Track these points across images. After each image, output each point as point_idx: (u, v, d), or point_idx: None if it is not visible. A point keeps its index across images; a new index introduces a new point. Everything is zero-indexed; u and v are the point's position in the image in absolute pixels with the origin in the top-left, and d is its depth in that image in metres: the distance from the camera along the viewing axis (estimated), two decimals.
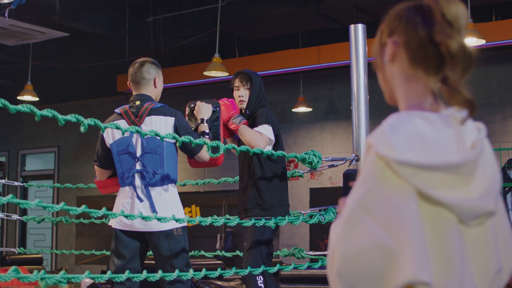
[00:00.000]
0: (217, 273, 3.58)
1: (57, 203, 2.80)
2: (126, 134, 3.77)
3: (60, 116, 2.70)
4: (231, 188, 10.03)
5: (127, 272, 3.22)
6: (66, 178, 11.55)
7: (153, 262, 3.85)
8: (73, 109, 11.32)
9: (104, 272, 4.00)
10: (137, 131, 3.11)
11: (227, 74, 8.03)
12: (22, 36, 8.09)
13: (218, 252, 5.35)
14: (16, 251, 5.64)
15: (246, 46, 9.70)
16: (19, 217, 5.43)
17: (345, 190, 3.67)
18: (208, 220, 3.61)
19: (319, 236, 9.62)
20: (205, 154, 3.81)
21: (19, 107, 2.55)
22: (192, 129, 3.93)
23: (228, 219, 3.77)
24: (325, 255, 4.40)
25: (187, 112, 4.06)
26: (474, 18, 7.24)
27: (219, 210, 10.31)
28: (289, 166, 10.02)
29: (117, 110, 3.89)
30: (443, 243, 1.26)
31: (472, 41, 6.85)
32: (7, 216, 5.70)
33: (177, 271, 3.44)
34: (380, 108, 6.98)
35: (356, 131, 3.96)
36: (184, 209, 3.92)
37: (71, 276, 2.91)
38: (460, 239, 1.28)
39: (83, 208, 2.86)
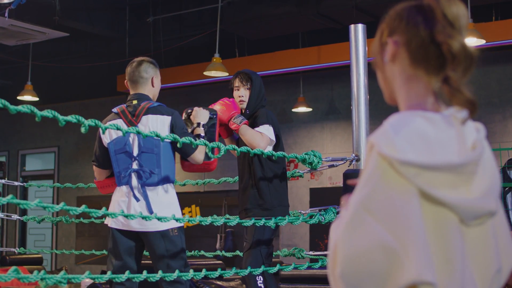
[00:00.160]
0: (217, 273, 3.58)
1: (57, 203, 2.80)
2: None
3: (60, 117, 2.70)
4: (231, 188, 10.03)
5: (127, 272, 3.22)
6: (66, 178, 11.55)
7: (150, 261, 3.84)
8: (73, 109, 11.32)
9: (104, 272, 4.00)
10: (138, 132, 3.11)
11: (227, 74, 8.03)
12: (22, 36, 8.09)
13: (218, 252, 5.35)
14: (16, 251, 5.64)
15: (246, 46, 9.70)
16: (19, 217, 5.43)
17: (345, 190, 3.67)
18: (208, 220, 3.61)
19: (319, 236, 9.62)
20: (199, 156, 3.80)
21: (19, 107, 2.55)
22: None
23: (228, 219, 3.76)
24: (325, 255, 4.40)
25: (183, 117, 4.05)
26: (474, 18, 7.24)
27: (219, 210, 10.31)
28: (289, 166, 10.02)
29: (115, 110, 3.89)
30: (444, 243, 1.26)
31: (472, 41, 6.84)
32: (7, 216, 5.70)
33: (177, 271, 3.44)
34: (380, 108, 6.99)
35: (356, 131, 3.96)
36: (184, 209, 3.92)
37: (71, 276, 2.91)
38: (461, 239, 1.28)
39: (83, 208, 2.86)
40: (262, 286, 3.89)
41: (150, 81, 3.92)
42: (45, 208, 2.76)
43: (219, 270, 3.61)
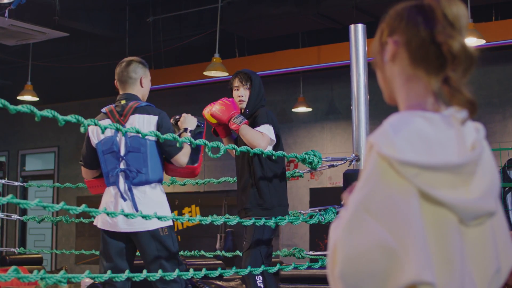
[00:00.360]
0: (217, 273, 3.58)
1: (57, 203, 2.80)
2: (110, 134, 3.77)
3: (60, 117, 2.70)
4: (231, 188, 10.03)
5: (127, 271, 3.21)
6: (66, 178, 11.54)
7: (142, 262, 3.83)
8: (73, 109, 11.31)
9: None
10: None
11: (227, 74, 8.03)
12: (22, 36, 8.09)
13: (218, 252, 5.35)
14: (16, 251, 5.64)
15: (246, 46, 9.70)
16: (19, 217, 5.43)
17: (345, 190, 3.66)
18: (208, 220, 3.61)
19: (319, 236, 9.62)
20: (182, 158, 3.79)
21: (19, 107, 2.55)
22: None
23: (228, 218, 3.76)
24: (325, 255, 4.40)
25: (171, 123, 4.04)
26: (474, 18, 7.24)
27: (219, 210, 10.31)
28: (289, 166, 10.02)
29: (103, 110, 3.90)
30: (444, 243, 1.26)
31: (472, 41, 6.84)
32: (7, 216, 5.69)
33: (177, 270, 3.43)
34: (380, 108, 6.98)
35: (356, 131, 3.96)
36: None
37: (71, 276, 2.91)
38: (461, 239, 1.28)
39: (83, 207, 2.85)
40: (262, 286, 3.89)
41: (138, 81, 3.91)
42: (45, 208, 2.76)
43: (219, 270, 3.61)
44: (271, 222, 3.76)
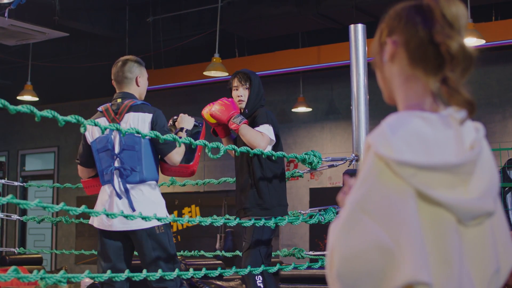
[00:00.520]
0: (217, 273, 3.58)
1: (57, 203, 2.80)
2: (106, 132, 3.77)
3: (60, 117, 2.70)
4: (231, 188, 10.03)
5: (126, 271, 3.21)
6: (66, 178, 11.54)
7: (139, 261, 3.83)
8: (73, 109, 11.31)
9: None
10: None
11: (227, 74, 8.03)
12: (22, 36, 8.09)
13: (218, 252, 5.35)
14: (16, 251, 5.64)
15: (246, 46, 9.70)
16: (19, 217, 5.43)
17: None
18: (208, 220, 3.61)
19: (319, 236, 9.62)
20: (176, 157, 3.78)
21: (19, 107, 2.55)
22: None
23: (228, 219, 3.76)
24: (324, 255, 4.40)
25: (169, 124, 4.04)
26: (474, 18, 7.24)
27: (219, 210, 10.31)
28: (289, 166, 10.02)
29: (100, 108, 3.91)
30: (442, 243, 1.26)
31: (472, 41, 6.84)
32: (7, 216, 5.69)
33: (177, 270, 3.43)
34: (380, 108, 6.99)
35: (356, 131, 3.96)
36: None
37: (71, 275, 2.91)
38: (459, 239, 1.28)
39: (83, 208, 2.86)
40: (262, 286, 3.89)
41: (134, 80, 3.91)
42: (45, 208, 2.76)
43: (219, 270, 3.61)
44: (271, 223, 3.76)
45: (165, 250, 3.71)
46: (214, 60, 8.08)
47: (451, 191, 1.27)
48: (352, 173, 3.84)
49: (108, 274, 3.17)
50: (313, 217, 4.00)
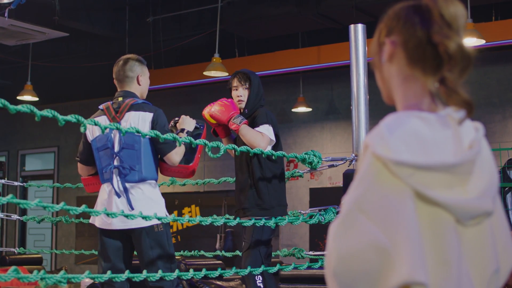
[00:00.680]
0: (217, 273, 3.58)
1: (57, 203, 2.80)
2: (106, 131, 3.77)
3: (60, 117, 2.70)
4: (231, 188, 10.02)
5: (127, 272, 3.21)
6: (66, 178, 11.54)
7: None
8: (73, 109, 11.32)
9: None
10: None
11: (227, 74, 8.03)
12: (22, 36, 8.09)
13: (218, 252, 5.35)
14: (16, 251, 5.64)
15: (246, 46, 9.70)
16: (19, 217, 5.43)
17: (345, 190, 3.67)
18: (208, 220, 3.61)
19: (319, 236, 9.62)
20: (175, 157, 3.78)
21: (19, 107, 2.55)
22: None
23: (228, 219, 3.76)
24: (324, 255, 4.40)
25: (170, 125, 4.04)
26: (474, 18, 7.24)
27: (219, 210, 10.31)
28: (289, 166, 10.02)
29: (101, 106, 3.91)
30: (440, 243, 1.26)
31: (472, 41, 6.84)
32: (7, 216, 5.70)
33: (177, 271, 3.44)
34: (380, 108, 6.98)
35: (356, 131, 3.96)
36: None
37: (71, 276, 2.91)
38: (458, 239, 1.28)
39: (83, 208, 2.86)
40: (262, 286, 3.89)
41: (135, 79, 3.92)
42: (45, 208, 2.76)
43: (219, 270, 3.61)
44: (271, 223, 3.76)
45: (163, 248, 3.72)
46: (214, 60, 8.08)
47: (449, 191, 1.27)
48: (351, 173, 3.84)
49: (109, 274, 3.17)
50: (313, 217, 4.00)
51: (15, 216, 5.45)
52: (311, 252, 4.42)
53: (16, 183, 5.51)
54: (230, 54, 9.33)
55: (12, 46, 9.37)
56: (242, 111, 4.13)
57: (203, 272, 3.47)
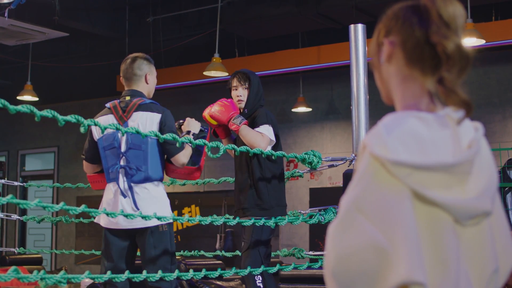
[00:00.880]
0: (217, 273, 3.58)
1: (57, 203, 2.80)
2: (112, 130, 3.77)
3: (60, 117, 2.70)
4: (231, 188, 10.02)
5: (126, 272, 3.21)
6: (66, 178, 11.55)
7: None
8: (73, 109, 11.32)
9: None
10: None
11: (227, 74, 8.03)
12: (22, 36, 8.09)
13: (218, 252, 5.35)
14: (15, 251, 5.64)
15: (246, 46, 9.70)
16: (19, 217, 5.43)
17: (345, 190, 3.67)
18: (208, 220, 3.61)
19: (319, 236, 9.62)
20: (182, 158, 3.78)
21: (19, 107, 2.55)
22: None
23: (228, 218, 3.76)
24: (324, 255, 4.40)
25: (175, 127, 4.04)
26: (474, 18, 7.24)
27: (219, 210, 10.31)
28: (289, 166, 10.03)
29: (107, 105, 3.90)
30: (438, 243, 1.26)
31: (472, 41, 6.84)
32: (6, 216, 5.70)
33: (177, 271, 3.44)
34: (380, 108, 6.97)
35: (356, 131, 3.96)
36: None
37: (71, 276, 2.91)
38: (456, 239, 1.28)
39: (82, 208, 2.86)
40: (261, 286, 3.89)
41: (143, 78, 3.91)
42: (45, 208, 2.76)
43: (218, 270, 3.61)
44: (271, 223, 3.76)
45: (165, 248, 3.72)
46: (214, 60, 8.08)
47: (448, 191, 1.27)
48: (351, 173, 3.84)
49: (108, 275, 3.17)
50: (313, 217, 4.01)
51: (15, 216, 5.46)
52: (311, 252, 4.42)
53: (16, 183, 5.51)
54: (230, 54, 9.33)
55: (12, 46, 9.38)
56: (241, 111, 4.12)
57: (203, 272, 3.48)
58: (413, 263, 1.20)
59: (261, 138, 3.95)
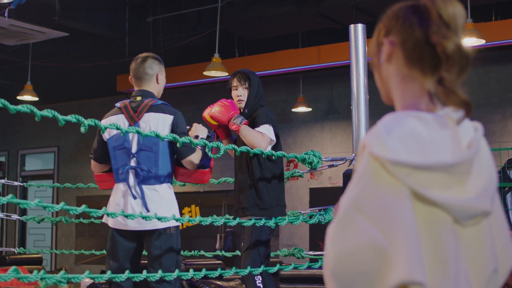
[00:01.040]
0: (217, 273, 3.58)
1: (57, 203, 2.80)
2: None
3: (60, 117, 2.70)
4: (231, 188, 10.00)
5: (126, 272, 3.21)
6: (66, 178, 11.55)
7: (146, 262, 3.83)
8: (73, 109, 11.32)
9: (103, 272, 4.01)
10: (137, 132, 3.11)
11: (226, 74, 8.03)
12: (22, 36, 8.10)
13: (218, 252, 5.35)
14: (16, 251, 5.64)
15: (246, 46, 9.71)
16: (19, 217, 5.43)
17: (345, 190, 3.67)
18: (208, 220, 3.61)
19: (319, 236, 9.62)
20: (194, 160, 3.77)
21: (19, 107, 2.55)
22: None
23: (228, 219, 3.76)
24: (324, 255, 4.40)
25: None
26: (474, 18, 7.24)
27: (219, 210, 10.31)
28: (289, 166, 10.03)
29: (118, 104, 3.86)
30: (437, 243, 1.26)
31: (472, 41, 6.84)
32: (7, 216, 5.70)
33: (177, 271, 3.44)
34: (380, 108, 6.98)
35: (356, 131, 3.96)
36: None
37: (71, 276, 2.92)
38: (455, 239, 1.28)
39: (83, 208, 2.86)
40: (261, 286, 3.89)
41: (155, 77, 3.89)
42: (45, 208, 2.77)
43: (219, 270, 3.62)
44: (271, 223, 3.76)
45: (172, 251, 3.71)
46: (214, 60, 8.08)
47: (447, 191, 1.27)
48: (351, 173, 3.85)
49: (108, 275, 3.17)
50: (313, 217, 4.01)
51: (15, 216, 5.46)
52: (311, 252, 4.42)
53: (16, 183, 5.51)
54: (230, 54, 9.33)
55: (12, 46, 9.38)
56: (242, 111, 4.13)
57: (203, 272, 3.48)
58: (412, 263, 1.20)
59: (262, 138, 3.95)
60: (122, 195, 3.74)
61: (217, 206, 10.45)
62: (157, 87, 3.91)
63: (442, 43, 1.31)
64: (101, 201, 7.94)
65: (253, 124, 4.02)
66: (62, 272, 2.91)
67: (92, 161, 3.97)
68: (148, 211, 3.63)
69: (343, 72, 8.52)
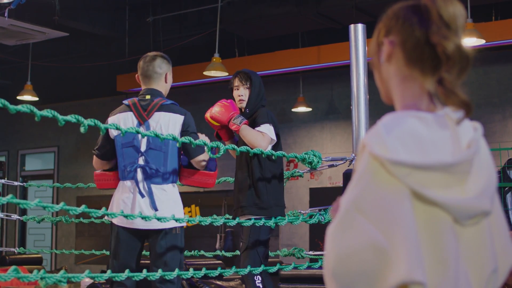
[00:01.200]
0: (217, 272, 3.58)
1: (57, 203, 2.80)
2: (132, 125, 3.72)
3: (60, 117, 2.70)
4: (231, 188, 9.98)
5: (127, 271, 3.21)
6: (66, 178, 11.55)
7: (149, 261, 3.82)
8: (73, 109, 11.32)
9: (104, 272, 4.00)
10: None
11: (227, 74, 8.03)
12: (22, 36, 8.10)
13: (218, 252, 5.35)
14: (15, 251, 5.65)
15: (246, 46, 9.71)
16: (19, 217, 5.44)
17: (345, 190, 3.67)
18: (208, 220, 3.62)
19: (319, 236, 9.62)
20: (202, 161, 3.78)
21: (19, 107, 2.55)
22: None
23: (228, 219, 3.76)
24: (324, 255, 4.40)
25: None
26: (474, 18, 7.24)
27: (219, 210, 10.31)
28: (289, 166, 10.03)
29: (126, 102, 3.84)
30: (437, 243, 1.26)
31: (472, 41, 6.84)
32: (7, 216, 5.70)
33: (177, 270, 3.44)
34: (380, 108, 6.98)
35: (356, 131, 3.96)
36: (184, 209, 3.89)
37: (71, 275, 2.92)
38: (455, 239, 1.28)
39: (83, 208, 2.86)
40: (261, 286, 3.89)
41: (163, 77, 3.88)
42: (45, 208, 2.77)
43: (219, 269, 3.62)
44: (271, 222, 3.76)
45: (176, 251, 3.71)
46: (214, 60, 8.08)
47: (447, 191, 1.27)
48: (351, 173, 3.85)
49: (108, 274, 3.17)
50: (313, 217, 4.01)
51: (15, 216, 5.46)
52: (311, 252, 4.42)
53: (16, 183, 5.51)
54: (230, 54, 9.33)
55: (12, 46, 9.38)
56: (243, 110, 4.13)
57: (203, 271, 3.48)
58: (412, 263, 1.20)
59: (262, 137, 3.95)
60: (129, 193, 3.72)
61: (217, 206, 10.45)
62: (165, 86, 3.91)
63: (442, 43, 1.31)
64: (101, 201, 7.94)
65: (253, 124, 4.02)
66: (62, 271, 2.91)
67: (95, 158, 3.94)
68: (156, 210, 3.63)
69: (343, 72, 8.53)
